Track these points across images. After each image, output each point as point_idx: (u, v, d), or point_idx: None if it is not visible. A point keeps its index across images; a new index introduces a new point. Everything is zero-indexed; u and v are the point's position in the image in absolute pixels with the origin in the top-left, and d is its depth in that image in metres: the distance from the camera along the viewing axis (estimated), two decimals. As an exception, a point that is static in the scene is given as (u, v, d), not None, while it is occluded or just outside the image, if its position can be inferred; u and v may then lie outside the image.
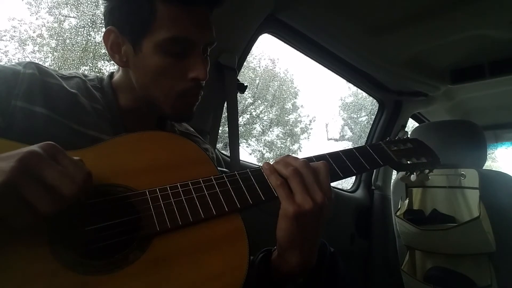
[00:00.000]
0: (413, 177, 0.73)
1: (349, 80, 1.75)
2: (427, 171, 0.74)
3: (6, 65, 0.59)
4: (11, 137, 0.49)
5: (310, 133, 8.67)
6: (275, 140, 8.30)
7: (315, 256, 0.55)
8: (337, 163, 0.62)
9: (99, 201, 0.47)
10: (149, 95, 0.64)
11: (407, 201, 1.55)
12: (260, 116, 8.08)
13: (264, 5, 1.12)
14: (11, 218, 0.39)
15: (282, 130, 8.37)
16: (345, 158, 0.64)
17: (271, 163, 0.56)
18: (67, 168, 0.41)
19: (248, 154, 7.78)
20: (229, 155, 1.16)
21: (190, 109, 0.66)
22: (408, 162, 0.71)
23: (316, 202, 0.50)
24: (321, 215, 0.51)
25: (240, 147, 1.18)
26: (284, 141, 8.34)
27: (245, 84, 1.19)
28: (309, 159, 0.59)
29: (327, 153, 0.63)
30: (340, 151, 0.65)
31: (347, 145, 8.72)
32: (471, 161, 1.41)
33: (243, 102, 7.46)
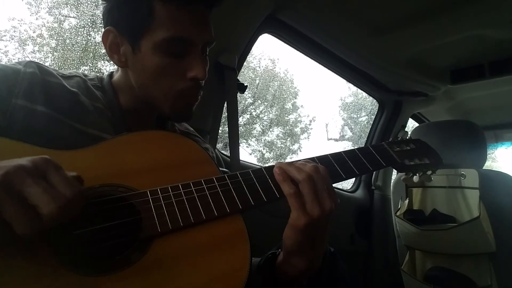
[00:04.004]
0: (415, 178, 0.73)
1: (349, 80, 1.75)
2: (429, 172, 0.73)
3: (6, 64, 0.59)
4: (12, 136, 0.49)
5: (310, 133, 8.68)
6: (275, 140, 8.30)
7: (320, 258, 0.55)
8: (339, 164, 0.62)
9: (100, 202, 0.47)
10: (148, 95, 0.64)
11: (407, 201, 1.55)
12: (260, 116, 8.08)
13: (264, 5, 1.12)
14: None
15: (282, 130, 8.37)
16: (347, 159, 0.63)
17: (283, 167, 0.54)
18: (54, 186, 0.38)
19: (248, 154, 7.79)
20: (229, 155, 1.16)
21: (189, 109, 0.66)
22: (411, 163, 0.70)
23: (325, 210, 0.49)
24: (328, 221, 0.51)
25: (240, 147, 1.18)
26: (284, 141, 8.34)
27: (245, 84, 1.19)
28: (311, 160, 0.59)
29: (329, 154, 0.63)
30: (342, 151, 0.65)
31: (347, 145, 8.72)
32: (471, 161, 1.41)
33: (243, 102, 7.46)
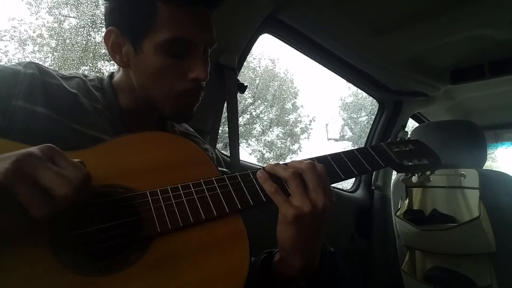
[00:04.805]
0: (414, 178, 0.73)
1: (349, 80, 1.75)
2: (428, 172, 0.74)
3: (6, 65, 0.59)
4: (12, 137, 0.49)
5: (310, 133, 8.69)
6: (275, 140, 8.31)
7: (317, 259, 0.55)
8: (338, 164, 0.62)
9: (100, 202, 0.47)
10: (149, 96, 0.64)
11: (407, 201, 1.56)
12: (260, 116, 8.09)
13: (264, 5, 1.12)
14: (6, 222, 0.38)
15: (282, 130, 8.38)
16: (346, 160, 0.63)
17: (270, 165, 0.56)
18: (64, 170, 0.40)
19: (248, 154, 7.80)
20: (229, 155, 1.16)
21: (190, 109, 0.66)
22: (410, 163, 0.70)
23: (316, 206, 0.49)
24: (322, 218, 0.50)
25: (240, 147, 1.18)
26: (284, 141, 8.35)
27: (245, 84, 1.19)
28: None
29: (328, 155, 0.63)
30: (341, 152, 0.65)
31: (347, 145, 8.73)
32: (471, 161, 1.41)
33: (243, 102, 7.47)
